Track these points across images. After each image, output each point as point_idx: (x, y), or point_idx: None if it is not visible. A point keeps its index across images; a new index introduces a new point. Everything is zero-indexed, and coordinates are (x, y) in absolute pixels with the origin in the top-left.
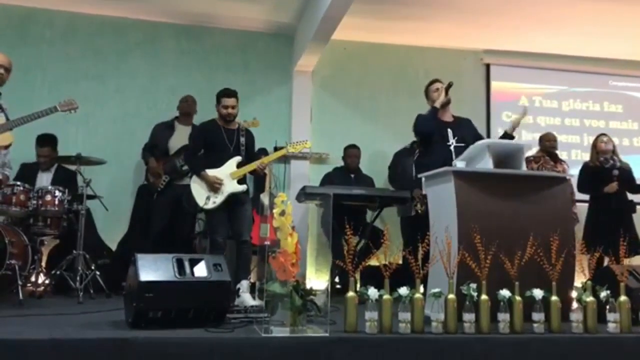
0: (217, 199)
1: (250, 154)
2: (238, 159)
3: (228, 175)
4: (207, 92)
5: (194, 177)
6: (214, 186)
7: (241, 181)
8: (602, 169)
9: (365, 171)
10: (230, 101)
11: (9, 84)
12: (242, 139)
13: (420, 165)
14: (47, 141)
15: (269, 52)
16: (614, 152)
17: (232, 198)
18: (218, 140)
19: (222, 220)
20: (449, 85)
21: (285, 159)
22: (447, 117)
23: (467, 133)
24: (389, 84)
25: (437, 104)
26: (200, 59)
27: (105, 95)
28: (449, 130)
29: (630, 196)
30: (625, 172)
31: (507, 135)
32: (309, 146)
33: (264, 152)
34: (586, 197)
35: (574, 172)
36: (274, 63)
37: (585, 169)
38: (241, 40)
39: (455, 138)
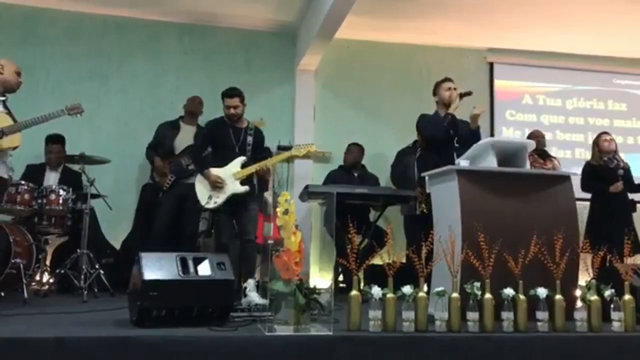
0: (219, 199)
1: (258, 153)
2: (242, 159)
3: (231, 175)
4: (210, 91)
5: (199, 176)
6: (215, 185)
7: (244, 182)
8: (606, 169)
9: (367, 169)
10: (231, 101)
11: None
12: (250, 138)
13: (426, 164)
14: (57, 140)
15: (272, 51)
16: (616, 151)
17: (236, 198)
18: (224, 138)
19: (226, 222)
20: (467, 94)
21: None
22: None
23: (464, 132)
24: (392, 83)
25: (452, 109)
26: (203, 58)
27: (108, 95)
28: (451, 131)
29: (630, 195)
30: (626, 172)
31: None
32: (313, 150)
33: (267, 151)
34: (585, 195)
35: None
36: (276, 62)
37: (589, 168)
38: (244, 40)
39: (456, 139)
